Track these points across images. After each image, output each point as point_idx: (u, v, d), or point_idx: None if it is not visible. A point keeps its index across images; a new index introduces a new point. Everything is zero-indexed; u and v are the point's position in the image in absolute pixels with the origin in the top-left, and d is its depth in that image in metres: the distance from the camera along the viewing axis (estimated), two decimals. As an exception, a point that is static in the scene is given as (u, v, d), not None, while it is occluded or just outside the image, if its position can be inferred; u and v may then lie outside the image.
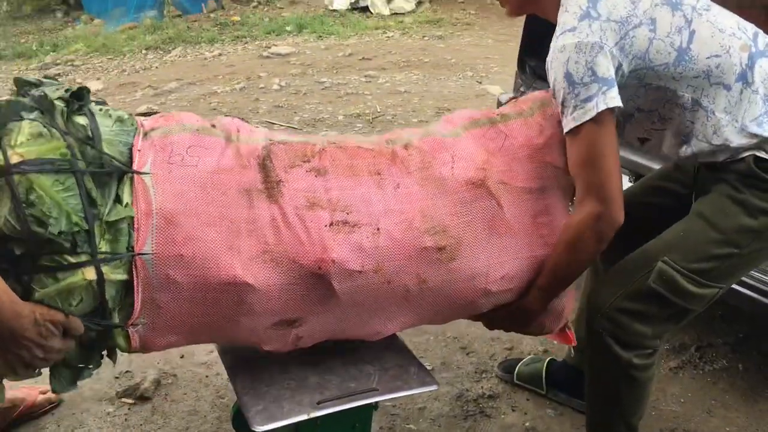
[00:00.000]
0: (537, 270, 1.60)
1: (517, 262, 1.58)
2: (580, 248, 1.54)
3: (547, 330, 1.75)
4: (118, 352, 1.43)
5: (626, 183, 2.46)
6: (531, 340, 2.52)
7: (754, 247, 1.62)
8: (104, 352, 1.44)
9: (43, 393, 2.07)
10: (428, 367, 2.33)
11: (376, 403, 1.63)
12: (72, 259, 1.28)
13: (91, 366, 1.43)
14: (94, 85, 8.15)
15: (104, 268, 1.30)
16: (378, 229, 1.46)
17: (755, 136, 1.58)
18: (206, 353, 2.28)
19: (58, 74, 9.00)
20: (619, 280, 1.69)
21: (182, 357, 2.30)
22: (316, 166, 1.50)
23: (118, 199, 1.35)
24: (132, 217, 1.33)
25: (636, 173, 2.41)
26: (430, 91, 7.09)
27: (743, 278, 2.11)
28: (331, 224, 1.44)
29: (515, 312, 1.65)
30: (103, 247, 1.31)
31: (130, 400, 2.09)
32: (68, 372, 1.41)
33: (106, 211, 1.33)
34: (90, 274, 1.29)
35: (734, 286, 2.10)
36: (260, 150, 1.49)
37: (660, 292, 1.62)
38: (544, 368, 2.23)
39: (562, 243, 1.56)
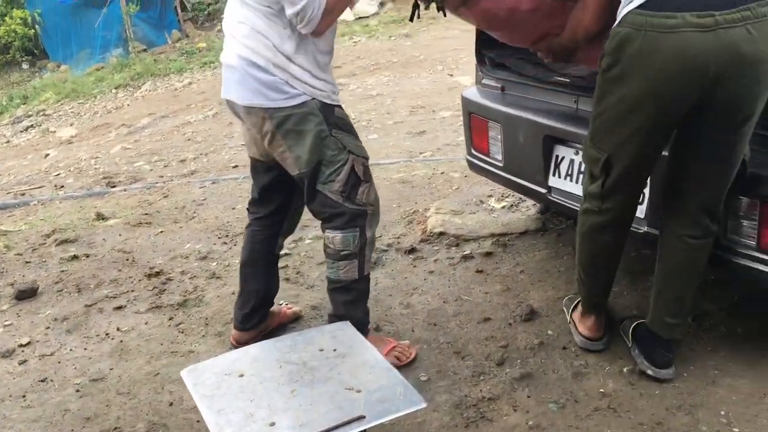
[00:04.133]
0: None
1: None
2: None
3: None
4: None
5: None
6: (526, 335, 2.47)
7: (599, 100, 1.94)
8: None
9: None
10: (424, 378, 2.28)
11: (365, 430, 1.58)
12: None
13: None
14: (67, 132, 8.11)
15: None
16: None
17: None
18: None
19: (31, 125, 8.95)
20: None
21: (171, 405, 2.25)
22: None
23: None
24: None
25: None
26: (402, 91, 7.05)
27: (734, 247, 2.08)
28: None
29: None
30: None
31: (122, 457, 2.04)
32: None
33: None
34: None
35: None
36: None
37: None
38: (634, 325, 2.30)
39: None
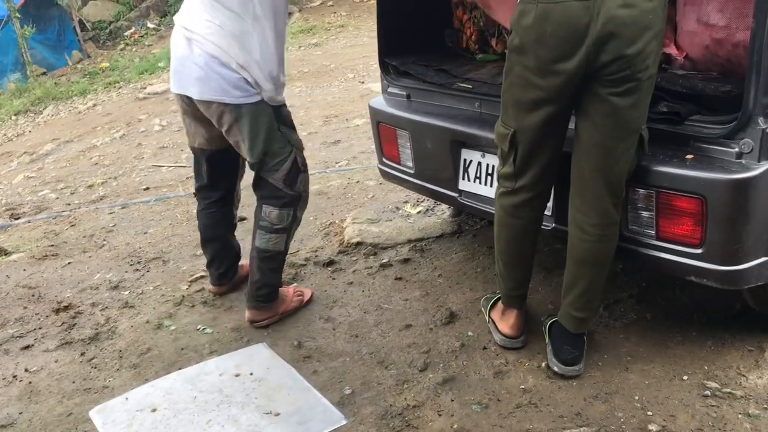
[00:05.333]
0: None
1: None
2: None
3: None
4: None
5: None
6: (447, 338, 2.49)
7: (506, 74, 2.09)
8: None
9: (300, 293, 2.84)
10: (348, 391, 2.26)
11: (285, 453, 1.56)
12: None
13: None
14: (-36, 164, 7.68)
15: None
16: None
17: None
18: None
19: (-77, 160, 8.41)
20: None
21: (86, 444, 2.16)
22: None
23: None
24: None
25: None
26: (314, 101, 7.02)
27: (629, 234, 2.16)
28: None
29: None
30: None
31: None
32: None
33: None
34: None
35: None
36: None
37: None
38: (551, 322, 2.36)
39: None
